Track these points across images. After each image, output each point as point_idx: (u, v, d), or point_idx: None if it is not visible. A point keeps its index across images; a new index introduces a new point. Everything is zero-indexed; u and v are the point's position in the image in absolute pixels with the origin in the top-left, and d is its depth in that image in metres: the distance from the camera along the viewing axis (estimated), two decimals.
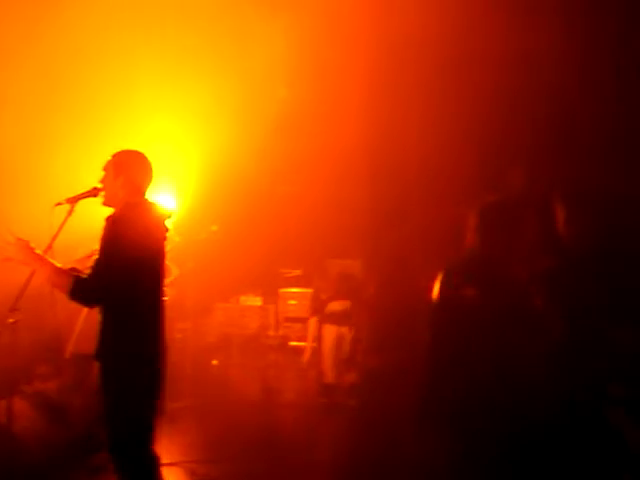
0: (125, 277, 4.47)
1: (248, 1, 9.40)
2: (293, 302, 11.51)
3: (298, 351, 10.79)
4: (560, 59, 8.71)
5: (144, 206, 4.79)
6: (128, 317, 4.57)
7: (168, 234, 4.93)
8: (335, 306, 9.42)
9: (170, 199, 8.66)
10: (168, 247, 4.95)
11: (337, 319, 9.30)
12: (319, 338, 9.60)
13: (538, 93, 9.00)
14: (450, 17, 8.86)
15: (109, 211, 4.75)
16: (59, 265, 4.51)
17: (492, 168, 8.88)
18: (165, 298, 4.86)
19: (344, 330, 9.20)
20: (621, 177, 8.36)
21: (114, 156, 4.85)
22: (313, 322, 9.82)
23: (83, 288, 4.42)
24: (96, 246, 4.55)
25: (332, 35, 9.28)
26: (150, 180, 4.90)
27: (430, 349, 4.72)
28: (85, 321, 6.94)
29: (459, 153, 9.51)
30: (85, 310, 6.69)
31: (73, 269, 4.54)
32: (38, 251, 4.55)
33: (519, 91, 9.11)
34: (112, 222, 4.54)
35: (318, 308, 9.73)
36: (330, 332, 9.26)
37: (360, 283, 9.99)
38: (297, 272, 11.61)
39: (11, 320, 4.89)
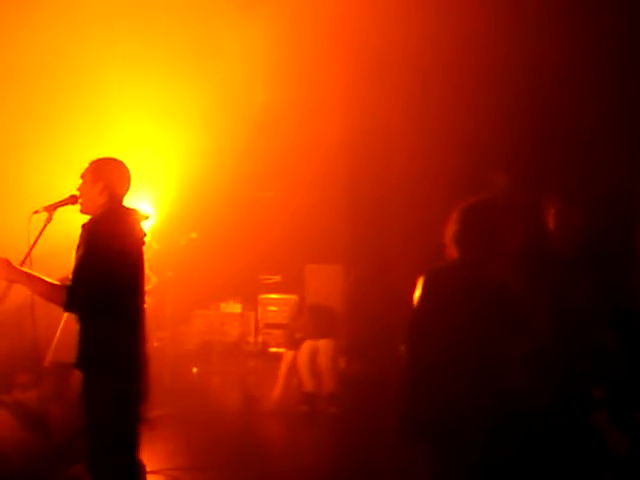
0: (104, 284, 4.43)
1: (227, 2, 9.34)
2: (273, 308, 11.49)
3: (279, 357, 10.76)
4: (540, 63, 8.75)
5: (122, 213, 4.76)
6: (107, 325, 4.53)
7: (146, 240, 4.89)
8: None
9: (148, 206, 8.61)
10: (147, 254, 4.91)
11: (314, 335, 9.27)
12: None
13: (519, 96, 9.04)
14: (432, 22, 8.88)
15: (87, 219, 4.71)
16: (48, 279, 4.48)
17: (475, 172, 8.91)
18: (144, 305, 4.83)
19: (321, 343, 9.16)
20: (602, 177, 8.44)
21: (92, 163, 4.82)
22: (288, 356, 9.56)
23: (76, 298, 4.39)
24: (72, 257, 4.51)
25: (314, 39, 9.26)
26: (128, 187, 4.87)
27: (409, 358, 4.64)
28: (64, 329, 6.89)
29: (441, 158, 9.55)
30: (64, 318, 6.64)
31: (64, 278, 4.51)
32: (24, 268, 4.51)
33: (500, 95, 9.15)
34: (89, 229, 4.51)
35: (292, 346, 9.54)
36: (305, 346, 9.23)
37: (335, 317, 9.81)
38: (277, 278, 11.60)
39: None
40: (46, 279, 4.47)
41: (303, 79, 9.60)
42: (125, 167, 4.87)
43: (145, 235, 4.89)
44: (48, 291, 4.45)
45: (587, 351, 5.72)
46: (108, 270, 4.41)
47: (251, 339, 11.48)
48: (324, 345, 9.14)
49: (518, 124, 8.99)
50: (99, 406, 4.52)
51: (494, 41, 8.91)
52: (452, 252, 4.45)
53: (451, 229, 4.43)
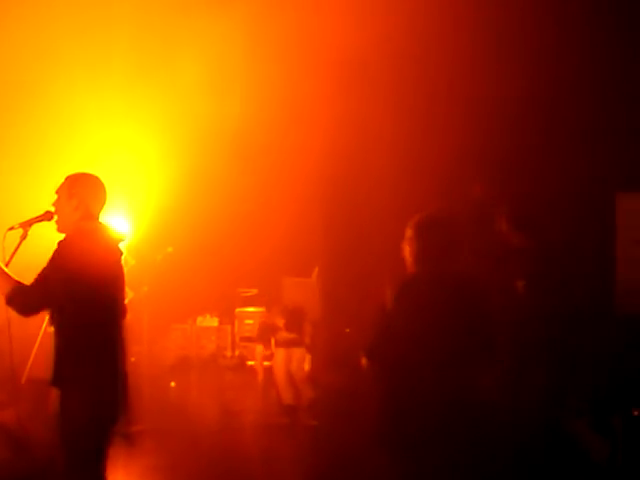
0: (74, 302, 4.43)
1: (206, 10, 9.29)
2: (250, 322, 11.48)
3: (256, 371, 10.75)
4: (513, 78, 8.85)
5: (97, 230, 4.74)
6: (83, 343, 4.50)
7: (122, 257, 4.88)
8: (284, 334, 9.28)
9: (124, 222, 8.58)
10: (124, 270, 4.90)
11: (287, 343, 9.20)
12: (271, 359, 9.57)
13: (493, 106, 9.12)
14: (409, 31, 8.91)
15: (62, 235, 4.70)
16: (6, 270, 4.49)
17: (450, 183, 8.98)
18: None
19: (296, 351, 9.10)
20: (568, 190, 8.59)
21: (67, 179, 4.80)
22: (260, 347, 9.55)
23: (19, 296, 4.42)
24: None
25: (292, 53, 9.28)
26: (104, 203, 4.85)
27: (378, 371, 4.68)
28: (40, 346, 6.85)
29: (417, 169, 9.60)
30: (40, 335, 6.61)
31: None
32: None
33: (477, 105, 9.23)
34: (61, 246, 4.50)
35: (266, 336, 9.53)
36: (280, 355, 9.18)
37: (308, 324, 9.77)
38: (253, 291, 11.59)
39: None
40: (3, 268, 4.49)
41: (281, 94, 9.59)
42: (101, 183, 4.85)
43: (122, 254, 4.87)
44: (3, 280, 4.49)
45: (563, 357, 5.82)
46: (74, 289, 4.41)
47: (228, 353, 11.46)
48: (298, 354, 9.08)
49: (494, 133, 9.06)
50: (73, 424, 4.50)
51: (472, 58, 9.01)
52: (412, 267, 4.51)
53: (409, 246, 4.50)
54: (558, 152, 9.02)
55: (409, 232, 4.55)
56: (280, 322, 9.35)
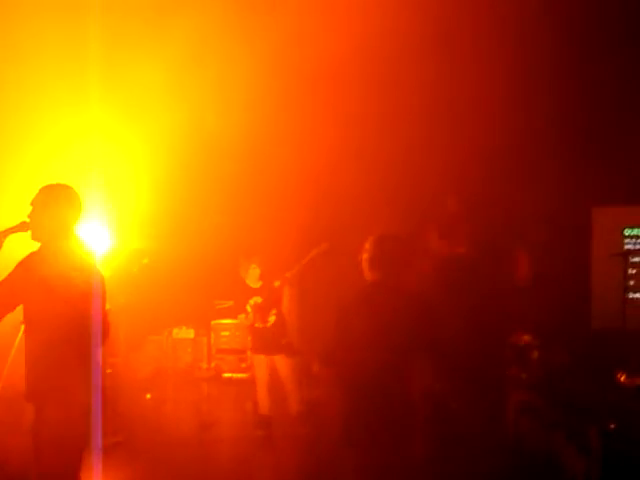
0: (40, 318, 4.43)
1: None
2: (226, 333, 11.44)
3: (232, 383, 10.71)
4: (488, 94, 8.91)
5: (66, 249, 4.71)
6: (53, 359, 4.48)
7: (96, 270, 4.85)
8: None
9: (103, 231, 8.53)
10: (97, 283, 4.86)
11: (267, 347, 9.06)
12: (251, 369, 9.51)
13: (468, 123, 9.18)
14: (373, 40, 8.93)
15: (37, 245, 4.69)
16: None
17: (423, 197, 9.03)
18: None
19: (277, 359, 8.99)
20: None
21: (42, 190, 4.78)
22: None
23: None
24: None
25: (268, 55, 9.24)
26: (79, 215, 4.83)
27: (338, 375, 5.09)
28: (14, 360, 6.80)
29: (386, 182, 9.64)
30: (14, 349, 6.57)
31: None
32: None
33: (451, 122, 9.30)
34: (31, 260, 4.52)
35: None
36: (260, 362, 9.08)
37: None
38: (230, 303, 11.55)
39: None
40: None
41: (250, 103, 9.57)
42: (76, 194, 4.84)
43: (93, 269, 4.84)
44: None
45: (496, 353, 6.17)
46: (39, 304, 4.42)
47: (204, 365, 11.41)
48: (280, 361, 8.95)
49: (472, 147, 9.11)
50: (48, 439, 4.48)
51: (438, 67, 9.07)
52: (367, 274, 5.04)
53: (364, 256, 5.07)
54: (535, 167, 9.09)
55: (366, 244, 5.09)
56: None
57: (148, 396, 10.68)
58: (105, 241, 8.49)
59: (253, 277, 9.20)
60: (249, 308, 9.16)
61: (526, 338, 7.39)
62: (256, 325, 9.12)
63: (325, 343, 5.16)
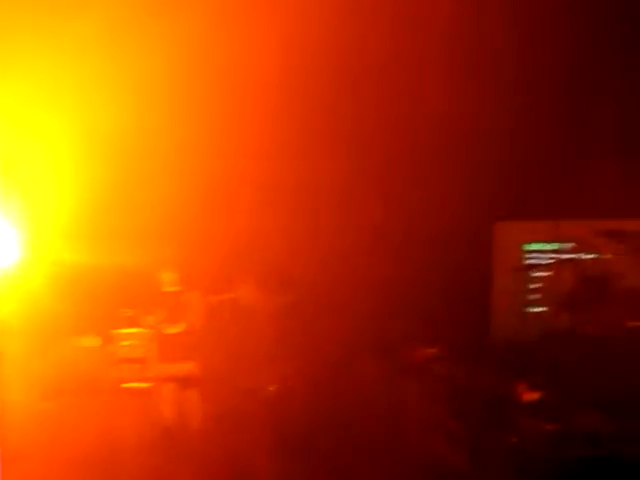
0: None
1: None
2: (127, 343, 11.30)
3: (133, 392, 10.58)
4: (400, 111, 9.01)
5: None
6: None
7: None
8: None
9: (11, 238, 8.33)
10: None
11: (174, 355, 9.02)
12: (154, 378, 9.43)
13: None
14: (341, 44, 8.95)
15: None
16: None
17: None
18: None
19: (188, 366, 8.94)
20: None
21: None
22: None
23: None
24: None
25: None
26: None
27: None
28: None
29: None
30: None
31: None
32: None
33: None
34: None
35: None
36: (166, 370, 9.01)
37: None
38: (132, 312, 11.41)
39: None
40: None
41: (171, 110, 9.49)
42: None
43: None
44: None
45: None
46: None
47: (106, 374, 11.24)
48: (181, 371, 8.90)
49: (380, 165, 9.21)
50: None
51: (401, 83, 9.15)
52: None
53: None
54: (438, 182, 9.20)
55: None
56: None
57: (49, 405, 10.48)
58: (12, 250, 8.31)
59: (167, 282, 9.14)
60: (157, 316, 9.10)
61: (427, 352, 7.46)
62: (164, 332, 9.06)
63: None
